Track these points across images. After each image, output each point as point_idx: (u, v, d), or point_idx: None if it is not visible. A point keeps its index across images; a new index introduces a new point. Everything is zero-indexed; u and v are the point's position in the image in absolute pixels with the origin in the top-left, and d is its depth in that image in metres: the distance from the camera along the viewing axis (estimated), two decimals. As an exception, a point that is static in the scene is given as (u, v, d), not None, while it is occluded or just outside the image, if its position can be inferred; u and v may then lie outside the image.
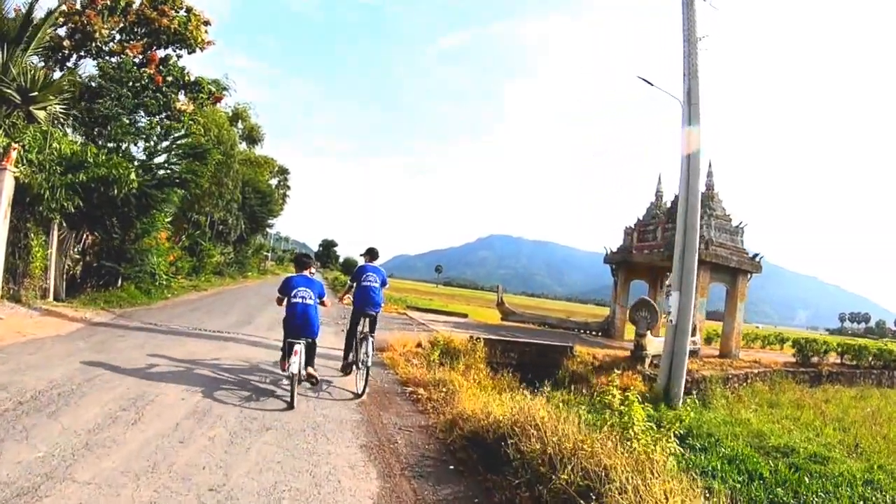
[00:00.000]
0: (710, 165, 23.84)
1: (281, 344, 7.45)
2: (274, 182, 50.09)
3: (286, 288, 7.33)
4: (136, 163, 14.12)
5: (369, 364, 7.71)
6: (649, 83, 16.50)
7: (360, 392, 7.54)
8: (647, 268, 26.92)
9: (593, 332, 26.75)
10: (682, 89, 14.90)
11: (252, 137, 40.61)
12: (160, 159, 14.93)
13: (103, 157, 12.12)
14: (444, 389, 7.70)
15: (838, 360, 25.08)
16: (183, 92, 19.66)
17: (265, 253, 59.85)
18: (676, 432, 5.68)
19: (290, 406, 6.46)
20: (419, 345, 12.66)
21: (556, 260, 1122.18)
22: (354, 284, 8.73)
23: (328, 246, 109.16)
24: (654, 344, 16.69)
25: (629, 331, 27.00)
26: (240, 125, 38.36)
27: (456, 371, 11.41)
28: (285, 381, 7.20)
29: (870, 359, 25.29)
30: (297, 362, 6.66)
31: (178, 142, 15.06)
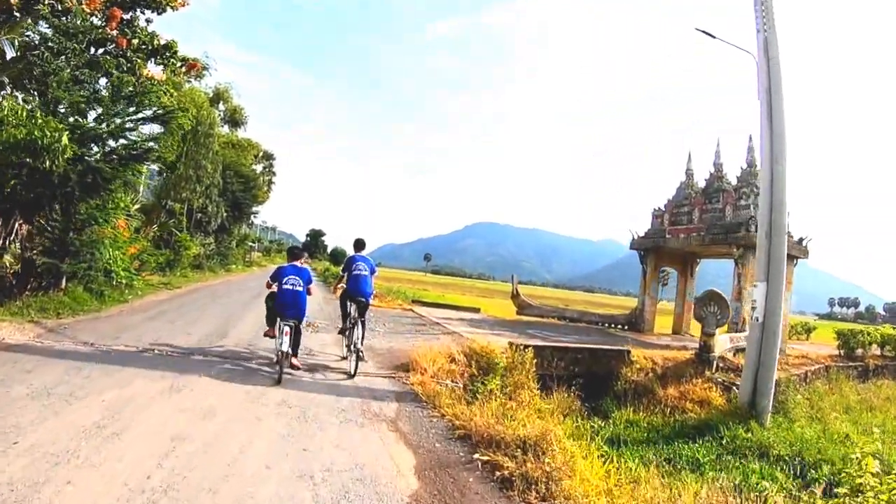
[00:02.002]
0: (749, 140, 21.04)
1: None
2: (259, 168, 46.89)
3: (278, 276, 8.07)
4: (77, 127, 10.90)
5: (360, 347, 8.30)
6: (711, 35, 13.88)
7: (352, 373, 8.01)
8: (678, 254, 24.16)
9: (619, 326, 23.97)
10: (756, 43, 12.14)
11: (234, 120, 37.89)
12: (111, 126, 11.61)
13: (23, 114, 8.92)
14: (540, 457, 4.75)
15: (878, 352, 22.71)
16: (153, 60, 16.51)
17: (250, 243, 56.37)
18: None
19: (278, 382, 6.99)
20: (452, 359, 9.75)
21: (544, 247, 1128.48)
22: (345, 275, 9.15)
23: (316, 236, 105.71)
24: (719, 343, 14.01)
25: (658, 324, 24.38)
26: (221, 107, 35.84)
27: (506, 391, 8.70)
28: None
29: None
30: (286, 341, 7.41)
31: (138, 100, 11.71)
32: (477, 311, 24.50)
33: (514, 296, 26.26)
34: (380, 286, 31.24)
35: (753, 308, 11.82)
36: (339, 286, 9.50)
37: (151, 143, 11.55)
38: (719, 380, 12.86)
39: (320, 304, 18.46)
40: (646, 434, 10.19)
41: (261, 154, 46.90)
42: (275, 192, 51.94)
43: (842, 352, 20.84)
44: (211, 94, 32.89)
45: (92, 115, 12.21)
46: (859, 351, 21.04)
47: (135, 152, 11.43)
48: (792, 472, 8.50)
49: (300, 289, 7.93)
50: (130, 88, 11.87)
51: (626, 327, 23.75)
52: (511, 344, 11.10)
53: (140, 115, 11.49)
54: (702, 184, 22.66)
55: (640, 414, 11.07)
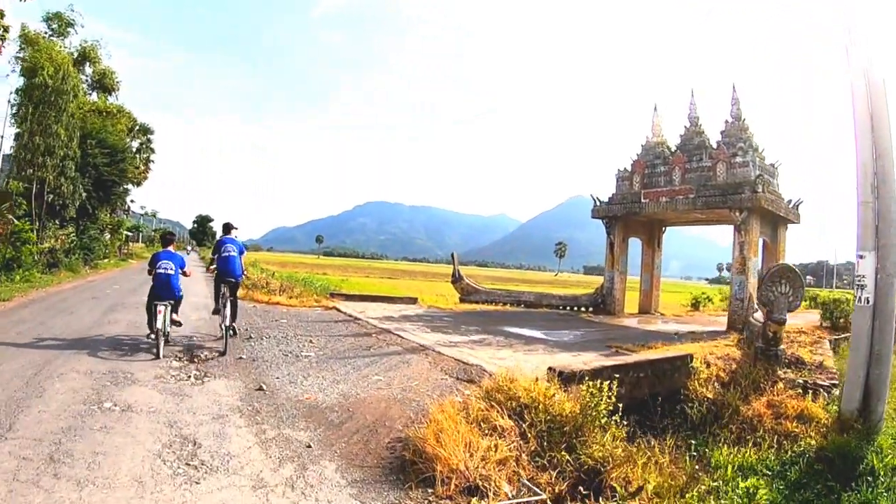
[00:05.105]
0: (734, 90, 18.20)
1: None
2: (135, 145, 39.92)
3: (153, 261, 8.73)
4: None
5: (227, 324, 9.05)
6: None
7: (223, 350, 8.56)
8: (643, 222, 21.14)
9: (585, 309, 20.72)
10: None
11: (104, 85, 31.76)
12: None
13: None
14: None
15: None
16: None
17: (127, 232, 48.45)
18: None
19: (157, 357, 7.71)
20: (490, 424, 5.56)
21: (436, 223, 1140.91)
22: (216, 256, 9.76)
23: (203, 222, 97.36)
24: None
25: (628, 304, 21.43)
26: (88, 70, 29.90)
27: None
28: None
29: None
30: (161, 320, 8.04)
31: None
32: (414, 301, 20.15)
33: (456, 279, 22.27)
34: (279, 274, 26.25)
35: (861, 286, 8.40)
36: (212, 268, 9.96)
37: None
38: (800, 381, 9.63)
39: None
40: (773, 485, 6.52)
41: (137, 127, 39.78)
42: (157, 176, 45.02)
43: (824, 323, 18.79)
44: (75, 55, 27.24)
45: None
46: (841, 321, 19.26)
47: None
48: None
49: (172, 272, 8.59)
50: None
51: (591, 309, 20.57)
52: (554, 372, 7.13)
53: None
54: (675, 140, 19.68)
55: (746, 450, 7.44)
